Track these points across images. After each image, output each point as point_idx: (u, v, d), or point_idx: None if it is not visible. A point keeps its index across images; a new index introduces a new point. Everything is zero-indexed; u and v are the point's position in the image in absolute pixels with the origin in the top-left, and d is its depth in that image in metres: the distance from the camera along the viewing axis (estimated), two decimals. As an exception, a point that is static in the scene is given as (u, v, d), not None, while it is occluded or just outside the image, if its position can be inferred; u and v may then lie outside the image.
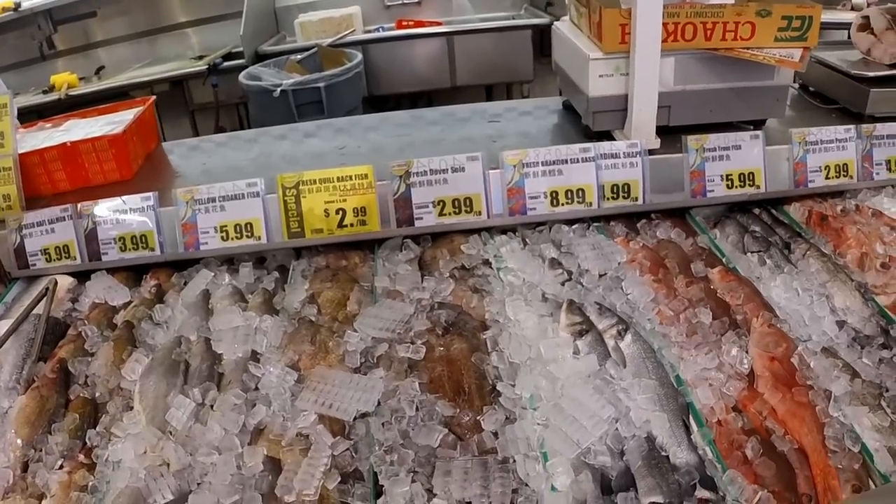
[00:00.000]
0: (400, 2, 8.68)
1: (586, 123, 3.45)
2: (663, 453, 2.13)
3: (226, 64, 7.76)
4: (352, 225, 3.10)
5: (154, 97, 4.23)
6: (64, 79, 7.66)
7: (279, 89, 6.34)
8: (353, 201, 3.08)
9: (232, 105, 8.19)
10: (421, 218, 3.11)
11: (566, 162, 3.14)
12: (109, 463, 2.31)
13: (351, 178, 3.07)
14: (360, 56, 7.01)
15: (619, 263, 2.98)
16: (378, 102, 7.67)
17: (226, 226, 3.13)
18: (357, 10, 8.12)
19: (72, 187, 3.72)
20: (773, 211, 3.36)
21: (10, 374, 2.76)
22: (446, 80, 7.75)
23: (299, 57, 7.25)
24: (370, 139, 3.90)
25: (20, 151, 3.58)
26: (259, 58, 7.54)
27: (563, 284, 2.86)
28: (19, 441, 2.41)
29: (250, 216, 3.12)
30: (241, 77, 6.83)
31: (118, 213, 3.24)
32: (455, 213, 3.12)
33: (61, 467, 2.32)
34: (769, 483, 2.01)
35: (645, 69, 3.11)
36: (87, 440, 2.41)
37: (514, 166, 3.11)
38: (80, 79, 8.02)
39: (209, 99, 7.90)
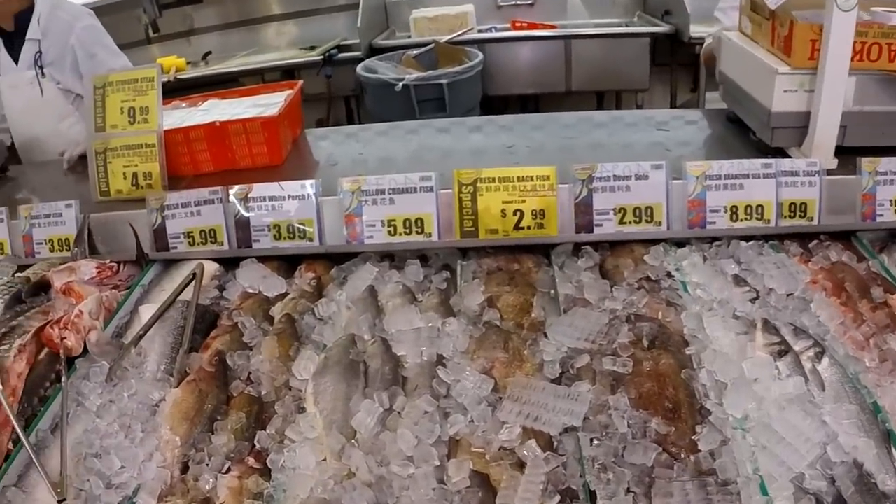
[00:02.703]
0: (513, 2, 8.57)
1: (761, 138, 3.28)
2: (871, 480, 1.99)
3: (341, 55, 7.71)
4: (529, 228, 2.94)
5: (301, 81, 4.13)
6: (172, 62, 7.71)
7: (401, 83, 6.26)
8: (533, 203, 2.91)
9: (340, 97, 8.14)
10: (601, 225, 2.95)
11: (748, 176, 2.97)
12: (285, 469, 2.15)
13: (532, 178, 2.91)
14: (480, 55, 6.94)
15: (804, 284, 2.81)
16: (488, 103, 7.54)
17: (394, 220, 2.99)
18: (471, 9, 8.05)
19: (215, 169, 3.65)
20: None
21: (158, 364, 2.63)
22: (560, 85, 7.63)
23: (415, 52, 7.18)
24: (535, 139, 3.74)
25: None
26: (372, 51, 7.50)
27: (752, 302, 2.70)
28: (177, 439, 2.26)
29: (421, 211, 2.97)
30: (359, 69, 6.79)
31: (275, 200, 3.11)
32: (636, 221, 2.96)
33: (228, 471, 2.16)
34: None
35: (832, 87, 2.93)
36: (255, 442, 2.26)
37: (698, 177, 2.95)
38: (188, 63, 8.05)
39: (320, 90, 7.84)
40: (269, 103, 3.82)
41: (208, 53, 8.66)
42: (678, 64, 7.90)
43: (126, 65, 5.00)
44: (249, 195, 3.12)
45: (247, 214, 3.12)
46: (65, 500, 2.11)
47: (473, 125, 4.00)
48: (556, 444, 2.13)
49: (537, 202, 2.92)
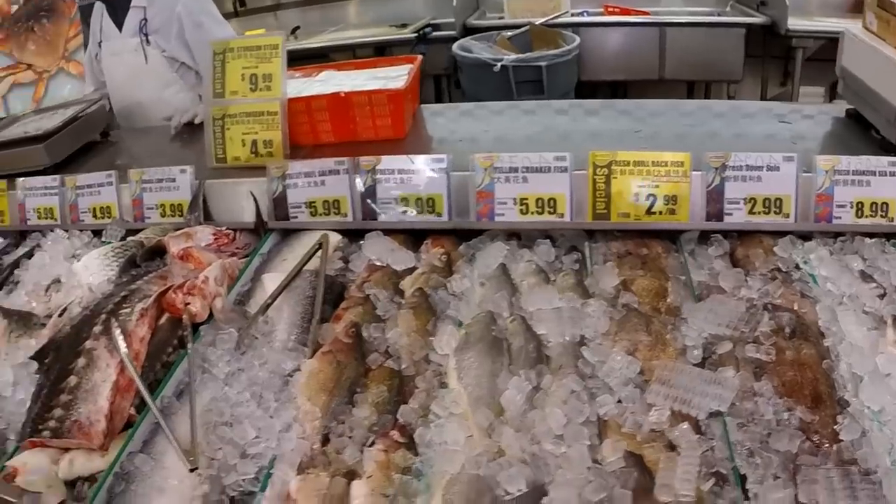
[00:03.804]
0: (606, -14, 8.48)
1: (885, 136, 3.25)
2: None
3: (435, 34, 7.72)
4: (661, 213, 2.93)
5: (421, 56, 4.13)
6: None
7: (500, 64, 6.26)
8: (666, 188, 2.90)
9: (429, 76, 8.13)
10: (731, 214, 2.93)
11: (874, 174, 2.94)
12: (433, 444, 2.13)
13: (666, 164, 2.89)
14: (577, 39, 6.91)
15: (931, 284, 2.78)
16: (578, 88, 7.44)
17: (526, 198, 2.98)
18: (565, -9, 7.96)
19: (336, 140, 3.66)
20: None
21: (288, 334, 2.65)
22: (653, 72, 7.53)
23: (509, 34, 7.16)
24: (654, 124, 3.70)
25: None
26: (465, 31, 7.48)
27: (880, 298, 2.67)
28: (317, 410, 2.26)
29: (554, 191, 2.95)
30: (455, 48, 6.79)
31: (404, 173, 3.11)
32: (765, 212, 2.93)
33: (372, 444, 2.15)
34: None
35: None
36: (398, 416, 2.25)
37: (827, 172, 2.93)
38: (277, 38, 8.11)
39: (412, 67, 7.77)
40: (389, 76, 3.83)
41: (297, 28, 8.69)
42: (770, 56, 7.78)
43: (231, 34, 5.04)
44: (377, 167, 3.13)
45: (374, 186, 3.13)
46: (197, 468, 2.11)
47: (589, 108, 3.98)
48: (704, 428, 2.13)
49: (670, 188, 2.91)
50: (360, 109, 3.58)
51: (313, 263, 2.99)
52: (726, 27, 7.50)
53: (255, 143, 3.57)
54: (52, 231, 3.65)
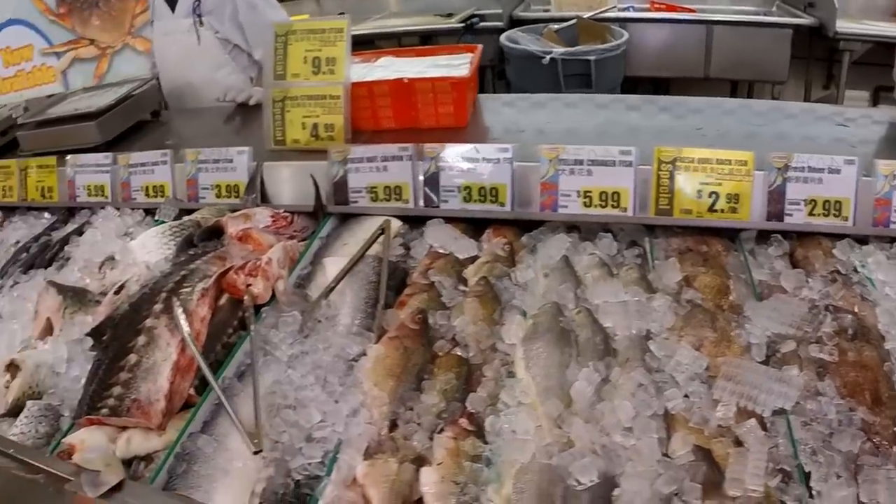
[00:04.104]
0: (652, -18, 8.42)
1: (942, 139, 3.26)
2: None
3: (482, 24, 7.67)
4: (722, 211, 2.94)
5: (481, 46, 4.13)
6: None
7: (549, 56, 6.26)
8: (728, 187, 2.91)
9: (473, 67, 8.10)
10: (791, 214, 2.94)
11: (936, 178, 2.96)
12: (502, 433, 2.13)
13: (730, 162, 2.90)
14: (626, 34, 6.89)
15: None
16: (622, 83, 7.42)
17: (590, 191, 2.99)
18: (612, -14, 7.91)
19: (396, 126, 3.66)
20: None
21: (352, 318, 2.66)
22: (699, 70, 7.48)
23: (556, 27, 7.15)
24: (715, 123, 3.67)
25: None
26: (512, 23, 7.48)
27: (935, 303, 2.70)
28: (385, 395, 2.26)
29: (619, 185, 2.97)
30: (503, 39, 6.78)
31: (467, 161, 3.12)
32: (824, 214, 2.94)
33: (440, 431, 2.15)
34: None
35: None
36: (466, 404, 2.26)
37: (886, 176, 2.93)
38: (320, 24, 8.12)
39: (457, 57, 7.77)
40: (451, 64, 3.84)
41: (340, 14, 8.65)
42: (814, 58, 7.71)
43: (285, 17, 5.02)
44: (441, 154, 3.14)
45: (437, 174, 3.14)
46: (261, 451, 2.12)
47: (662, 105, 3.94)
48: (769, 425, 2.15)
49: (733, 186, 2.92)
50: (422, 96, 3.58)
51: (374, 249, 3.01)
52: (773, 27, 7.43)
53: (315, 126, 3.58)
54: (102, 209, 3.68)
